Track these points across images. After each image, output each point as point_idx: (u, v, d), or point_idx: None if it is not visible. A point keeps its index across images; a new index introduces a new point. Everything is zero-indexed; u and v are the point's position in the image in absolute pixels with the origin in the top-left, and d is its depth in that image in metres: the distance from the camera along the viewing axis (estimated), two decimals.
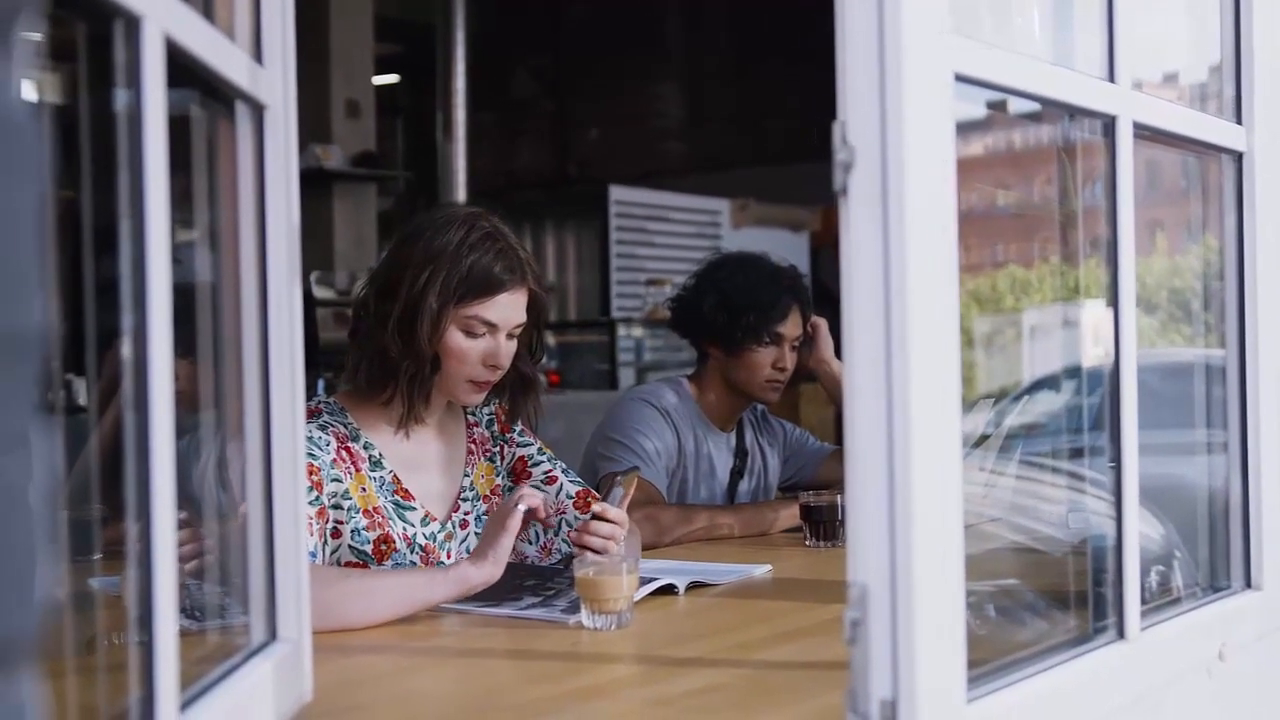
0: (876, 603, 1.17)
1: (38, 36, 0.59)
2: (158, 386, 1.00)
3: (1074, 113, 1.56)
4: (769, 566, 2.39)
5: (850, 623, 1.18)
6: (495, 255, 2.18)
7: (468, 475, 2.35)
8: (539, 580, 2.16)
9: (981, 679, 1.29)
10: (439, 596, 1.97)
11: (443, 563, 2.24)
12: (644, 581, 2.05)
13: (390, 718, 1.54)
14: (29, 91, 0.57)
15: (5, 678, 0.54)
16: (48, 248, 0.58)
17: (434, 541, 2.25)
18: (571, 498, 2.36)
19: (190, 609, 1.34)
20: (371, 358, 2.21)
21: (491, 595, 2.01)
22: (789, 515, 2.85)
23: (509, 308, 2.21)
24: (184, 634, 1.08)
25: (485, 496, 2.36)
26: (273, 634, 1.37)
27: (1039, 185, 2.03)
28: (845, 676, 1.20)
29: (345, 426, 2.22)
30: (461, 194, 8.85)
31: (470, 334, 2.19)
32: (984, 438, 2.19)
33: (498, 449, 2.41)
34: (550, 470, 2.39)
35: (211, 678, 1.21)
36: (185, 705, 1.08)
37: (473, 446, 2.38)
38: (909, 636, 1.16)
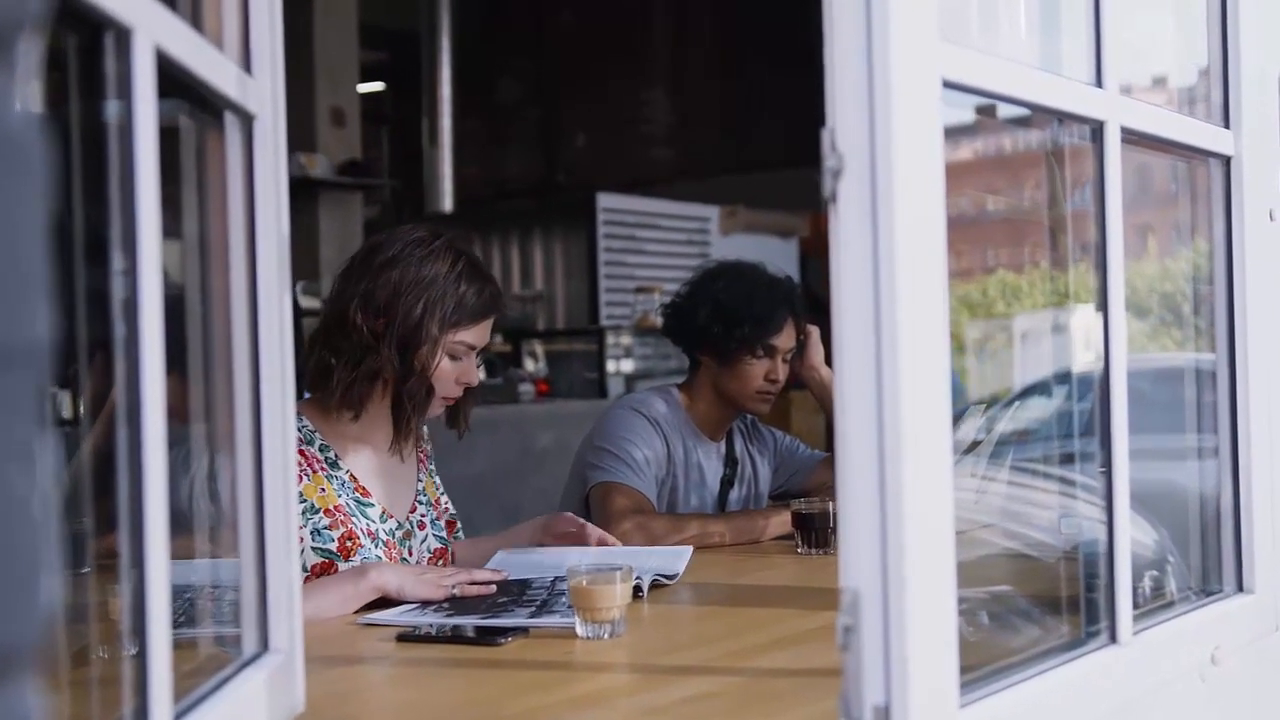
0: (869, 608, 1.17)
1: (40, 48, 0.60)
2: (149, 399, 1.00)
3: (1062, 118, 1.56)
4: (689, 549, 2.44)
5: (843, 628, 1.18)
6: (483, 284, 2.32)
7: (420, 481, 2.45)
8: (520, 591, 2.16)
9: (974, 684, 1.29)
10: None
11: (405, 559, 2.35)
12: None
13: None
14: (32, 104, 0.57)
15: (8, 686, 0.54)
16: (50, 260, 0.58)
17: (393, 538, 2.33)
18: (430, 552, 2.42)
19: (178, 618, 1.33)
20: (362, 378, 2.25)
21: (485, 611, 2.00)
22: (780, 522, 2.85)
23: (488, 332, 2.36)
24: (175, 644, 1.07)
25: (434, 503, 2.47)
26: (265, 645, 1.37)
27: (1028, 190, 2.04)
28: (839, 683, 1.20)
29: (299, 430, 2.26)
30: (448, 203, 8.85)
31: (453, 357, 2.31)
32: (975, 444, 2.19)
33: (434, 465, 2.52)
34: (424, 516, 2.46)
35: (204, 689, 1.20)
36: (178, 717, 1.08)
37: (422, 457, 2.49)
38: (901, 642, 1.15)
